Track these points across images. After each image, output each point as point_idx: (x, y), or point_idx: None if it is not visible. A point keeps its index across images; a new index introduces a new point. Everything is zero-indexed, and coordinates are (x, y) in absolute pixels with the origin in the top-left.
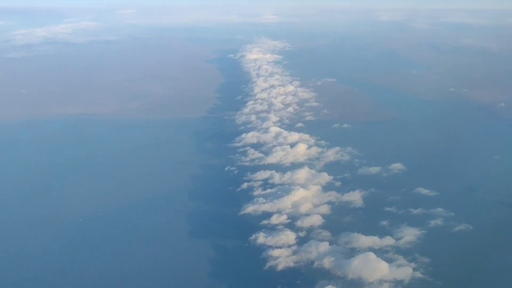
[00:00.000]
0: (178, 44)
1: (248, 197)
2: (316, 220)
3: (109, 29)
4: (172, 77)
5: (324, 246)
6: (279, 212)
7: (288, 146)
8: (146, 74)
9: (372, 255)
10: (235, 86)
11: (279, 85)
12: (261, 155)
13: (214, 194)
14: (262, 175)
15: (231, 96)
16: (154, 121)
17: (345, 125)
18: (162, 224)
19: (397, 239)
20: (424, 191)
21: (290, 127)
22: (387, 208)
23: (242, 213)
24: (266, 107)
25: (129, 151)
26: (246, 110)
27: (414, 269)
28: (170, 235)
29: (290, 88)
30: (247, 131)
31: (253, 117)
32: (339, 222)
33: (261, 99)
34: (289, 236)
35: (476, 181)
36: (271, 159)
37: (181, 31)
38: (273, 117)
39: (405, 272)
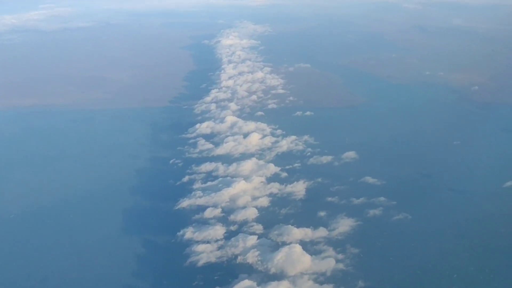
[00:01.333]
0: (154, 30)
1: (187, 190)
2: (250, 213)
3: (84, 15)
4: (140, 65)
5: (252, 240)
6: (215, 206)
7: (242, 136)
8: (114, 63)
9: (297, 247)
10: (204, 73)
11: (248, 72)
12: (211, 146)
13: (154, 189)
14: (207, 167)
15: (198, 84)
16: (112, 112)
17: (308, 113)
18: (95, 221)
19: (330, 230)
20: (371, 180)
21: (249, 116)
22: (329, 199)
23: (177, 207)
24: (229, 95)
25: (79, 144)
26: (208, 98)
27: (340, 261)
28: (101, 231)
29: (259, 74)
30: (203, 121)
31: (212, 106)
32: (275, 215)
33: (226, 87)
34: (218, 231)
35: (430, 168)
36: (220, 151)
37: (159, 16)
38: (233, 106)
39: (328, 264)
